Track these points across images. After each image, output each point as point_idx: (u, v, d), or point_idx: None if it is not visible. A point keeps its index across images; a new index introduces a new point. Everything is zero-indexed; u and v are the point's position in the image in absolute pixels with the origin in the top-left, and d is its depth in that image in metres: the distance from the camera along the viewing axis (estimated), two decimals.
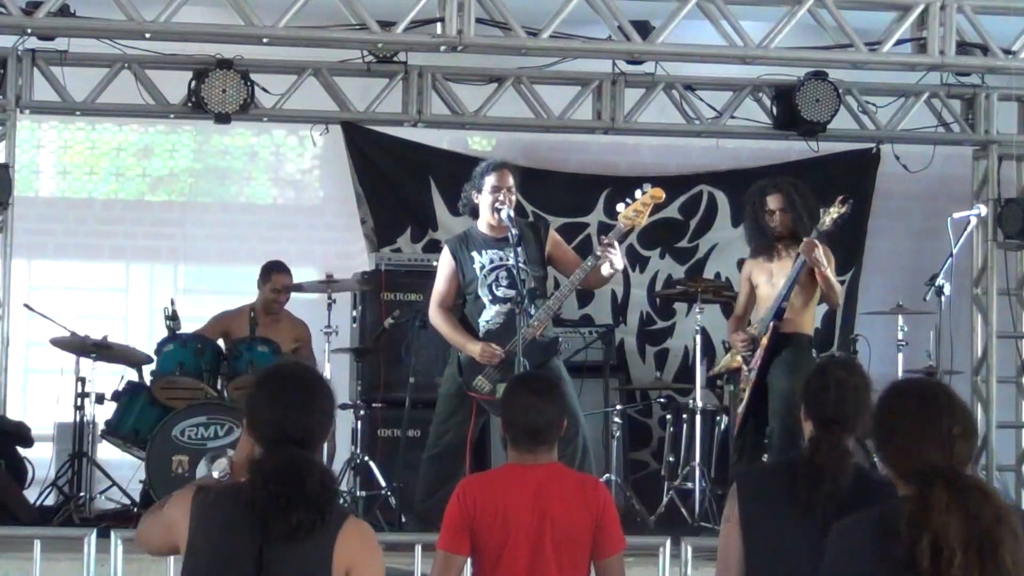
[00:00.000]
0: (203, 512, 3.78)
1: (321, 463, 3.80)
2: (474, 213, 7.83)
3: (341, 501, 8.87)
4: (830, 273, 8.11)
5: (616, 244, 7.53)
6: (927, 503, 3.37)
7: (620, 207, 7.68)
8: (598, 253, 7.52)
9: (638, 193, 7.66)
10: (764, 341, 8.07)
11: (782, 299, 8.06)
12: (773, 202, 8.23)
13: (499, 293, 7.66)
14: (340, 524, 3.76)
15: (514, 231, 7.52)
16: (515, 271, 7.49)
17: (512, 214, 7.64)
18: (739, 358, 8.30)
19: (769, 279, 8.23)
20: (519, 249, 7.47)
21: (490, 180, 7.67)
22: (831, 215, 8.07)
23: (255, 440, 3.87)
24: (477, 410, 7.66)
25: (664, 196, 7.82)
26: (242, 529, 3.71)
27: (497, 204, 7.62)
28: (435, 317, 7.80)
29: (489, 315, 7.67)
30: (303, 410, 3.82)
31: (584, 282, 7.68)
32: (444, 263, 7.82)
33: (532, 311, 7.47)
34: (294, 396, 3.83)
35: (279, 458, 3.74)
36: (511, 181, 7.70)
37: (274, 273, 9.56)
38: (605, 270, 7.57)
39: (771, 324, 8.07)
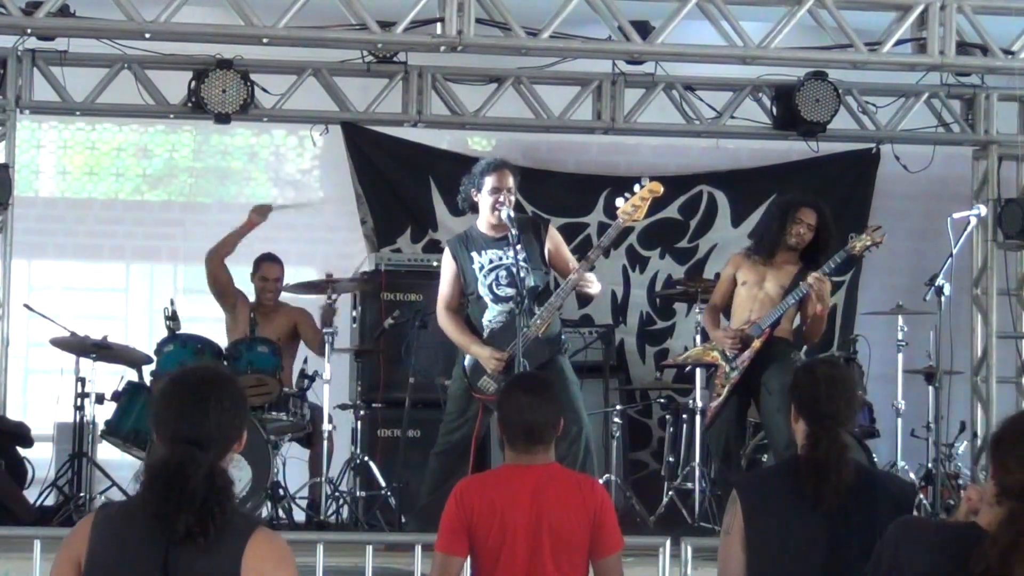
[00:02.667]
0: (104, 526, 3.67)
1: (214, 463, 3.64)
2: (474, 208, 7.83)
3: (341, 502, 8.89)
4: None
5: (591, 273, 7.55)
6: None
7: (619, 202, 7.68)
8: (574, 278, 7.53)
9: (636, 187, 7.67)
10: (757, 344, 8.04)
11: (784, 309, 8.04)
12: (808, 216, 8.12)
13: (500, 292, 7.66)
14: (249, 534, 3.60)
15: (514, 231, 7.52)
16: (515, 270, 7.49)
17: (512, 213, 7.64)
18: (714, 353, 8.22)
19: (759, 282, 8.16)
20: (519, 247, 7.47)
21: (490, 181, 7.66)
22: (864, 242, 8.03)
23: (158, 443, 3.75)
24: (484, 410, 7.67)
25: (662, 190, 7.81)
26: (147, 536, 3.59)
27: (496, 205, 7.62)
28: (442, 319, 7.80)
29: (492, 315, 7.67)
30: (198, 410, 3.68)
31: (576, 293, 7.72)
32: (446, 265, 7.82)
33: (536, 309, 7.48)
34: (190, 397, 3.71)
35: (166, 456, 3.63)
36: (511, 181, 7.69)
37: (263, 264, 9.57)
38: (587, 291, 7.63)
39: (767, 330, 8.04)
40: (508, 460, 4.86)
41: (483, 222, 7.76)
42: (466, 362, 7.69)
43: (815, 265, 8.07)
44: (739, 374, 8.06)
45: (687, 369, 9.12)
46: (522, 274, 7.43)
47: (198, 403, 3.69)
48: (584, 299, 7.99)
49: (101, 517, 3.70)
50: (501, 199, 7.61)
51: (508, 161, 8.00)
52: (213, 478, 3.60)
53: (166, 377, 3.90)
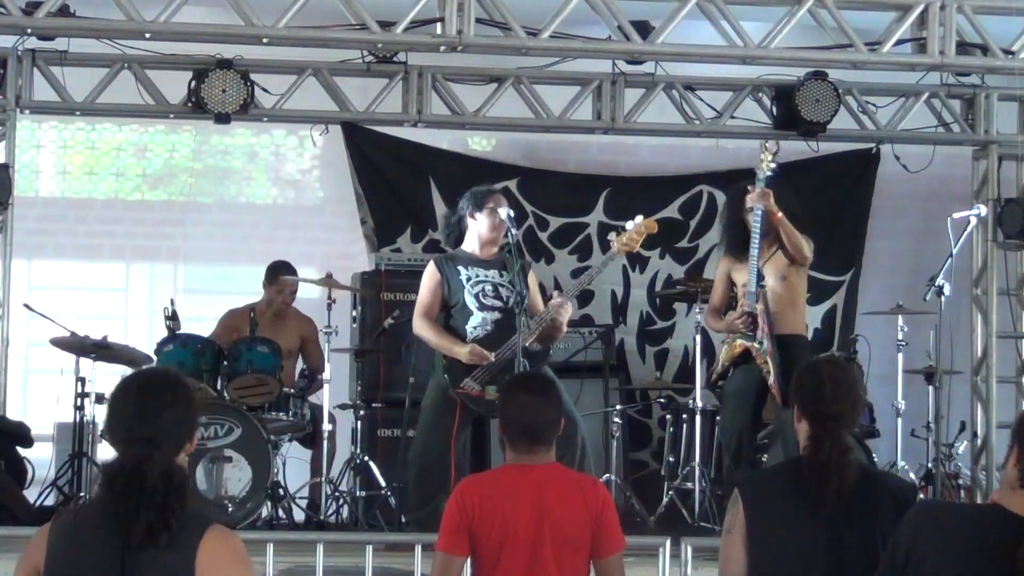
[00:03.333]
0: (61, 534, 3.69)
1: (170, 460, 3.67)
2: (460, 240, 7.87)
3: (341, 502, 8.89)
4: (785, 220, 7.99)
5: (567, 304, 7.59)
6: None
7: (612, 236, 7.79)
8: (550, 312, 7.56)
9: (630, 225, 7.73)
10: (760, 307, 7.97)
11: (757, 259, 7.97)
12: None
13: (486, 301, 7.71)
14: (202, 532, 3.63)
15: (513, 230, 7.57)
16: (502, 289, 7.58)
17: (512, 213, 7.68)
18: (738, 342, 8.14)
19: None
20: (509, 254, 7.54)
21: (491, 200, 7.74)
22: (766, 161, 7.97)
23: (113, 447, 3.77)
24: (462, 412, 7.65)
25: (657, 228, 7.87)
26: (103, 540, 3.61)
27: (495, 221, 7.69)
28: (419, 326, 7.81)
29: (476, 322, 7.69)
30: (150, 409, 3.71)
31: (542, 334, 7.65)
32: (429, 276, 7.84)
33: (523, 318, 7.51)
34: (144, 397, 3.74)
35: (122, 457, 3.67)
36: (505, 204, 7.83)
37: (281, 275, 9.55)
38: (559, 320, 7.59)
39: (759, 290, 7.97)
40: (509, 460, 4.86)
41: (472, 244, 7.79)
42: (447, 364, 7.66)
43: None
44: (769, 341, 7.96)
45: (689, 363, 9.09)
46: (511, 287, 7.49)
47: (149, 402, 3.72)
48: (585, 297, 7.99)
49: (58, 524, 3.72)
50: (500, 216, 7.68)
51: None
52: (170, 475, 3.63)
53: (119, 382, 3.91)
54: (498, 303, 7.63)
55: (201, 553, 3.60)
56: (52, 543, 3.68)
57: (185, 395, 3.80)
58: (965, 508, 3.79)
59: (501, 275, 7.63)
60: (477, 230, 7.80)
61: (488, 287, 7.73)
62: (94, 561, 3.61)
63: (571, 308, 7.68)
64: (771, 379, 8.00)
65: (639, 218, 7.75)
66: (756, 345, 8.03)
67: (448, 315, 7.78)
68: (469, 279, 7.74)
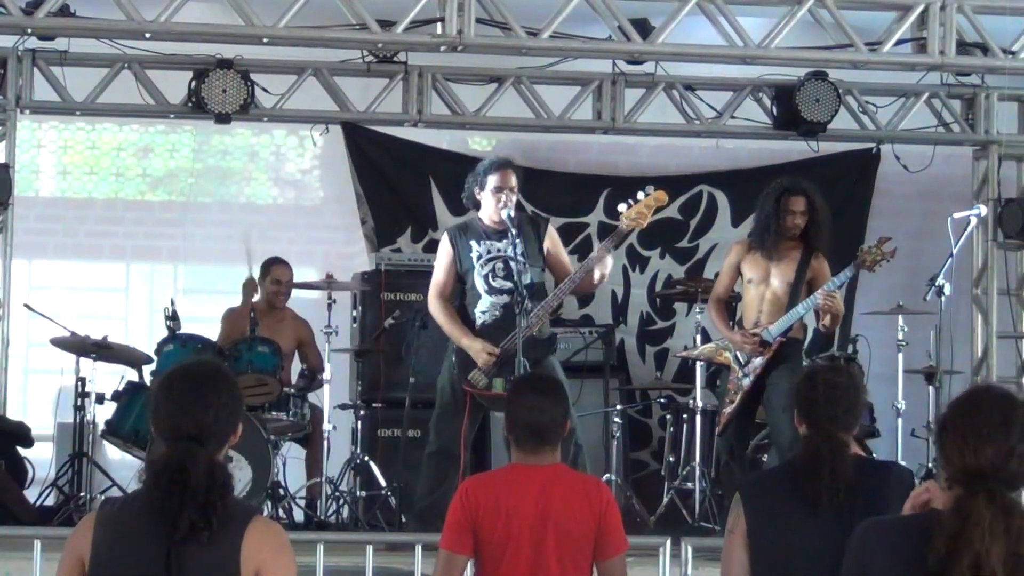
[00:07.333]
0: (107, 523, 3.71)
1: (213, 458, 3.70)
2: (477, 207, 7.82)
3: (341, 502, 8.89)
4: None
5: (609, 252, 7.56)
6: (968, 517, 3.33)
7: (622, 207, 7.67)
8: (595, 255, 7.53)
9: (640, 195, 7.65)
10: (769, 352, 7.99)
11: (797, 319, 8.00)
12: (796, 204, 8.08)
13: (495, 284, 7.64)
14: (246, 524, 3.66)
15: (514, 230, 7.54)
16: (512, 263, 7.49)
17: (512, 213, 7.64)
18: (727, 355, 8.16)
19: (764, 279, 8.09)
20: (517, 241, 7.48)
21: (493, 180, 7.66)
22: (875, 256, 7.99)
23: (159, 440, 3.80)
24: (472, 405, 7.64)
25: (667, 199, 7.83)
26: (149, 532, 3.64)
27: (499, 205, 7.62)
28: (434, 307, 7.77)
29: (485, 306, 7.65)
30: (197, 405, 3.72)
31: (578, 285, 7.68)
32: (443, 251, 7.81)
33: (529, 306, 7.47)
34: (189, 392, 3.75)
35: (167, 453, 3.69)
36: (513, 181, 7.69)
37: (273, 266, 9.59)
38: (596, 274, 7.58)
39: (779, 339, 7.98)
40: (514, 460, 4.85)
41: (485, 215, 7.75)
42: (456, 354, 7.66)
43: (813, 246, 8.03)
44: (751, 381, 8.00)
45: (689, 363, 9.11)
46: (520, 271, 7.44)
47: (197, 399, 3.74)
48: (585, 297, 7.97)
49: (104, 515, 3.74)
50: (503, 198, 7.61)
51: (512, 160, 7.99)
52: (213, 473, 3.66)
53: (163, 373, 3.93)
54: (507, 284, 7.58)
55: (246, 545, 3.63)
56: (98, 533, 3.70)
57: (229, 388, 3.82)
58: (906, 519, 3.75)
59: (515, 243, 7.51)
60: (484, 205, 7.74)
61: (499, 264, 7.65)
62: (141, 552, 3.64)
63: (611, 262, 7.63)
64: (727, 409, 8.05)
65: (649, 188, 7.71)
66: (739, 373, 8.03)
67: (462, 293, 7.74)
68: (480, 256, 7.68)
